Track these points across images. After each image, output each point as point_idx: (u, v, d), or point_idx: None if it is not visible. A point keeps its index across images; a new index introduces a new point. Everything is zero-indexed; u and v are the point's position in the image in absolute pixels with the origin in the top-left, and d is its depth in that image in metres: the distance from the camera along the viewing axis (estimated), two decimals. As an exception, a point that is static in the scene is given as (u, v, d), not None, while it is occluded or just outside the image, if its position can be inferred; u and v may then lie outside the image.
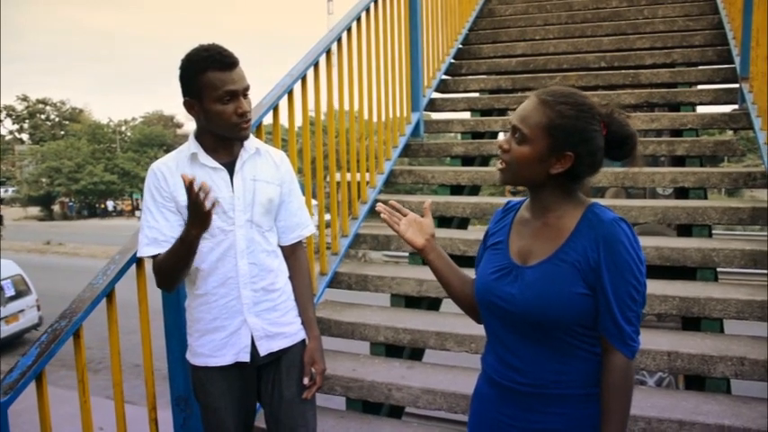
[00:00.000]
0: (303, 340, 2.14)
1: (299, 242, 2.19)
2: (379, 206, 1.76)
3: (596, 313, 1.45)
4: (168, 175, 1.96)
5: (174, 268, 1.87)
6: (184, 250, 1.81)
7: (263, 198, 2.02)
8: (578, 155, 1.46)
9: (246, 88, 1.94)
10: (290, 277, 2.15)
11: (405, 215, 1.75)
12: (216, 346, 2.01)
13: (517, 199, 1.69)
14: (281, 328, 2.07)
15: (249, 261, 2.00)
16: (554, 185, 1.51)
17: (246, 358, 2.02)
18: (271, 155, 2.12)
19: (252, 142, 2.05)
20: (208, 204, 1.68)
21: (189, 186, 1.64)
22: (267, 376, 2.09)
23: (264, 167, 2.07)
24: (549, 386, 1.50)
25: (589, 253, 1.44)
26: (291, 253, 2.16)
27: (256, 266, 2.01)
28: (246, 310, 2.00)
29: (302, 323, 2.14)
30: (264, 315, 2.03)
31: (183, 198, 1.87)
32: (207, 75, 1.87)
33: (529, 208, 1.60)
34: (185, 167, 1.97)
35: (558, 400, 1.50)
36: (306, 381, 2.09)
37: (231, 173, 1.99)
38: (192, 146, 1.99)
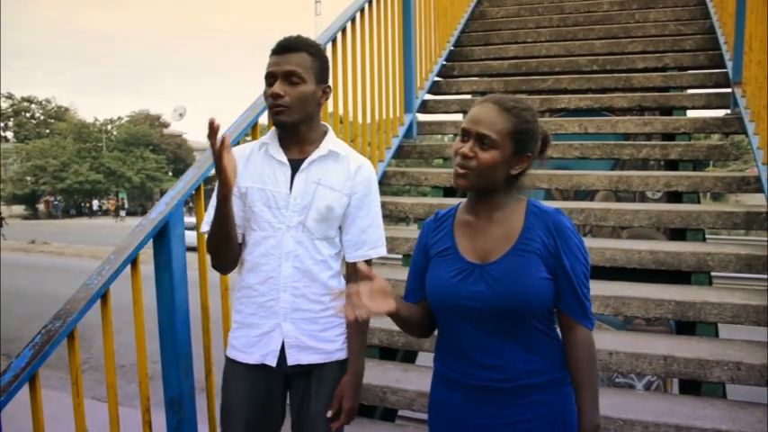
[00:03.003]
0: (341, 361, 1.99)
1: (367, 261, 1.98)
2: (340, 311, 1.51)
3: (556, 296, 1.56)
4: (241, 162, 1.91)
5: (215, 238, 1.87)
6: (217, 215, 1.81)
7: (320, 204, 1.91)
8: (534, 155, 1.61)
9: (288, 73, 1.85)
10: None
11: (356, 292, 1.49)
12: (248, 342, 1.95)
13: (444, 210, 1.73)
14: (316, 343, 1.95)
15: (293, 265, 1.91)
16: (507, 185, 1.61)
17: (273, 362, 1.93)
18: (348, 161, 1.97)
19: (328, 143, 1.95)
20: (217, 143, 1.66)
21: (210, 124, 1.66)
22: (298, 385, 1.99)
23: (335, 172, 1.94)
24: (522, 377, 1.56)
25: (546, 241, 1.55)
26: (355, 271, 1.89)
27: (300, 272, 1.91)
28: (282, 315, 1.93)
29: (347, 346, 1.99)
30: (301, 324, 1.93)
31: (243, 184, 1.93)
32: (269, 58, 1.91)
33: (470, 210, 1.65)
34: (257, 156, 1.96)
35: (530, 390, 1.56)
36: (329, 414, 1.95)
37: (297, 171, 1.92)
38: (268, 136, 1.99)
